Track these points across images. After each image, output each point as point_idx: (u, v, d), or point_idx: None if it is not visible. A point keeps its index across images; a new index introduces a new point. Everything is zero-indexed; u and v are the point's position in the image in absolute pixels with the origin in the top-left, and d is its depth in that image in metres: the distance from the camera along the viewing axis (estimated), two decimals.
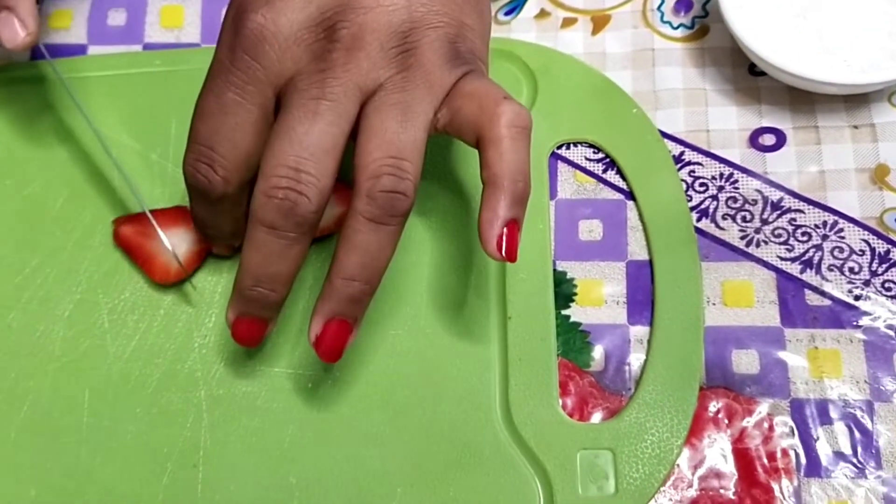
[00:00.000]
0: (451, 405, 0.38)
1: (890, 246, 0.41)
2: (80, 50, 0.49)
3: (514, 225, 0.34)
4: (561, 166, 0.44)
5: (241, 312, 0.36)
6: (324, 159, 0.33)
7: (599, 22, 0.48)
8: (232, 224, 0.38)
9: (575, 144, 0.44)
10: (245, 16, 0.34)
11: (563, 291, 0.41)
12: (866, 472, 0.37)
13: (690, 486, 0.37)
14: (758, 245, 0.41)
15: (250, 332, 0.36)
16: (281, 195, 0.33)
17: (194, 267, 0.41)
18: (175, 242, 0.40)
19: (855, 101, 0.44)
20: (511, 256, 0.34)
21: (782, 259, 0.41)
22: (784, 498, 0.36)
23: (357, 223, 0.33)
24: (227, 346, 0.40)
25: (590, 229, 0.42)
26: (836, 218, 0.42)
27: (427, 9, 0.35)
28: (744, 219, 0.42)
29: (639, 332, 0.40)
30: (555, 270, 0.41)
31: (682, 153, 0.44)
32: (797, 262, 0.41)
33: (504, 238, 0.34)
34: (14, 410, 0.39)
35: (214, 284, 0.42)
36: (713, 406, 0.38)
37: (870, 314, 0.39)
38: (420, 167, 0.34)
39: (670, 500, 0.37)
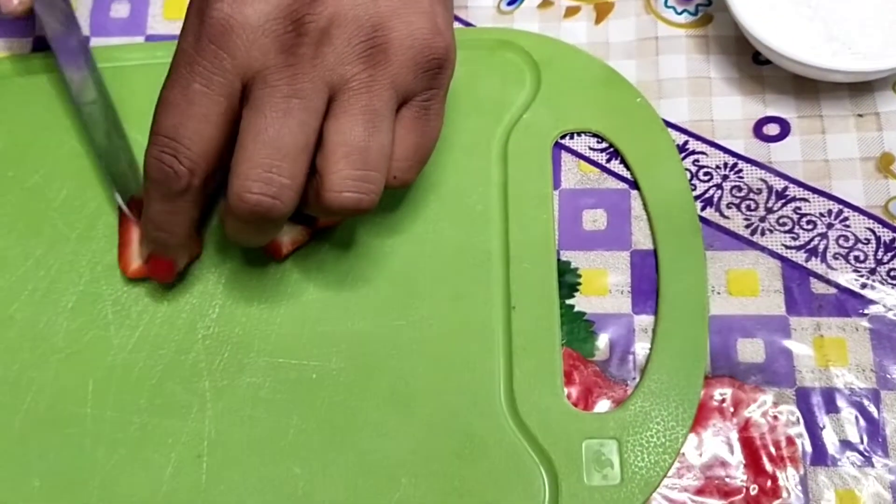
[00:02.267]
0: (455, 395, 0.38)
1: (895, 234, 0.41)
2: None
3: None
4: (564, 156, 0.44)
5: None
6: (297, 160, 0.33)
7: (602, 10, 0.48)
8: (186, 227, 0.38)
9: (578, 134, 0.44)
10: (211, 5, 0.33)
11: (567, 281, 0.41)
12: (873, 460, 0.36)
13: (696, 475, 0.37)
14: (762, 234, 0.41)
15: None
16: (254, 200, 0.33)
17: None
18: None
19: (859, 89, 0.44)
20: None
21: (787, 247, 0.41)
22: (790, 487, 0.36)
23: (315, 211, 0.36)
24: (231, 337, 0.40)
25: (594, 219, 0.42)
26: (841, 206, 0.41)
27: (399, 2, 0.34)
28: (748, 207, 0.42)
29: (643, 321, 0.40)
30: (559, 260, 0.41)
31: (686, 142, 0.44)
32: (802, 251, 0.41)
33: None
34: (17, 401, 0.39)
35: (218, 276, 0.41)
36: (718, 395, 0.38)
37: (876, 302, 0.39)
38: (385, 174, 0.35)
39: (675, 488, 0.37)
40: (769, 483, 0.36)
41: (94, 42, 0.49)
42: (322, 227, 0.41)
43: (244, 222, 0.35)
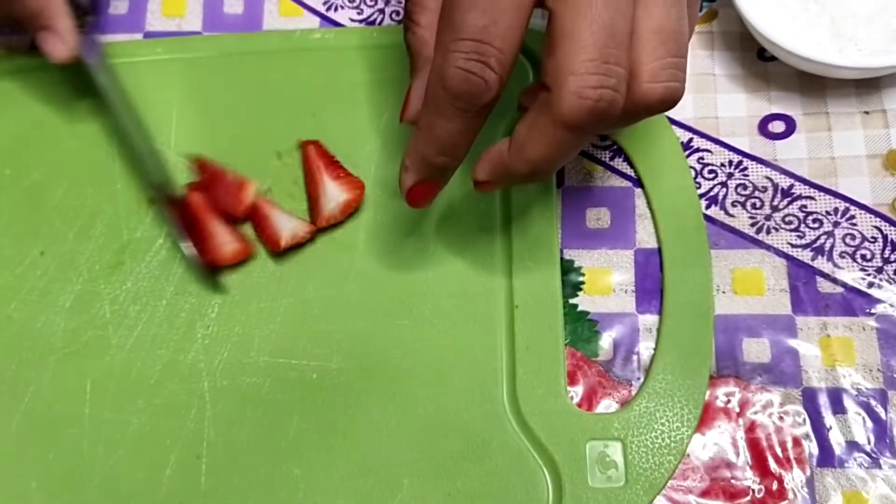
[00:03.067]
0: (457, 395, 0.38)
1: None
2: None
3: None
4: None
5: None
6: (627, 48, 0.29)
7: None
8: (470, 146, 0.32)
9: None
10: None
11: (571, 280, 0.40)
12: (881, 461, 0.36)
13: (701, 476, 0.36)
14: (768, 232, 0.41)
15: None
16: (596, 97, 0.28)
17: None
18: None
19: (866, 86, 0.43)
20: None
21: (793, 246, 0.40)
22: (797, 488, 0.36)
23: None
24: (230, 337, 0.40)
25: (597, 217, 0.42)
26: (847, 205, 0.41)
27: None
28: (754, 206, 0.41)
29: (648, 320, 0.39)
30: (562, 259, 0.41)
31: (690, 140, 0.43)
32: (808, 249, 0.40)
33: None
34: (15, 402, 0.39)
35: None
36: (724, 395, 0.38)
37: (883, 301, 0.39)
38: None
39: (680, 490, 0.36)
40: (775, 485, 0.36)
41: None
42: (323, 226, 0.41)
43: (578, 131, 0.29)
